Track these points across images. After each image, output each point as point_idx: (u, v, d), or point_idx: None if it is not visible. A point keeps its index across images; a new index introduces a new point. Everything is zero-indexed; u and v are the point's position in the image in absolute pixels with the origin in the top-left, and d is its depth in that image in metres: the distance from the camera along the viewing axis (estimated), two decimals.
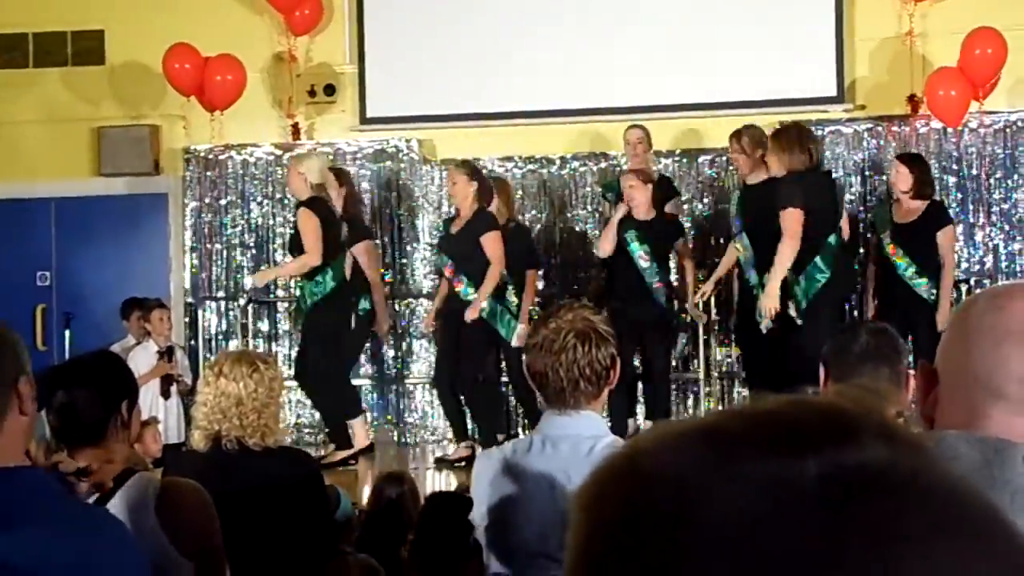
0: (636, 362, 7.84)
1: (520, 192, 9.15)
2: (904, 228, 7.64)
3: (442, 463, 7.96)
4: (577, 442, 2.93)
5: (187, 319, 9.39)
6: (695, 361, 8.69)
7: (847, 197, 8.78)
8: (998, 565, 0.60)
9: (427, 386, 8.93)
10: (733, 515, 0.58)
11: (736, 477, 0.59)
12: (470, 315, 7.80)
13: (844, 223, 7.42)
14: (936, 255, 7.60)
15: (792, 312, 7.03)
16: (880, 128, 8.75)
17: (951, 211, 8.61)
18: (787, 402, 0.64)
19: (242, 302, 8.96)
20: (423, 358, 9.14)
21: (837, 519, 0.58)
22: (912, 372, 3.32)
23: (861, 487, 0.59)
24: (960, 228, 8.65)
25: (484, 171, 8.65)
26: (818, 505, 0.58)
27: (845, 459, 0.60)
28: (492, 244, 7.79)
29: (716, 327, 8.64)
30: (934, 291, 7.53)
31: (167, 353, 8.22)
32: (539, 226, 9.13)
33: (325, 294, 7.80)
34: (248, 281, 9.04)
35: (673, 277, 8.11)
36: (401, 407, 9.19)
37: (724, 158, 8.86)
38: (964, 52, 8.31)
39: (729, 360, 8.70)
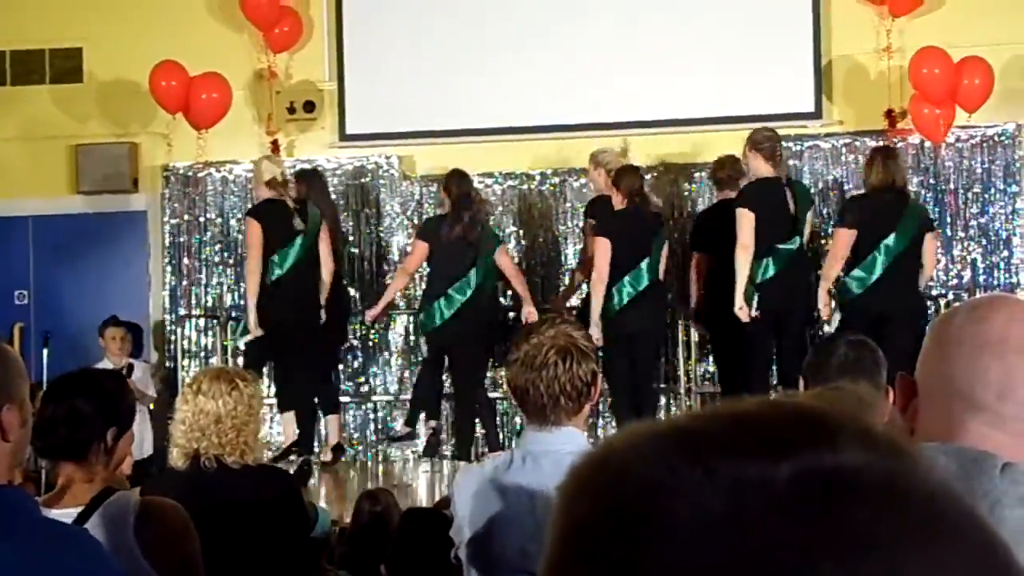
0: None
1: (500, 208, 9.15)
2: None
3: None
4: (558, 458, 2.92)
5: (166, 337, 9.35)
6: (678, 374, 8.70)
7: (825, 211, 8.82)
8: (975, 570, 0.59)
9: (402, 403, 8.93)
10: (702, 516, 0.58)
11: (706, 478, 0.59)
12: (368, 316, 8.35)
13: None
14: None
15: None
16: (858, 143, 8.79)
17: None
18: (763, 404, 0.63)
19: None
20: (396, 374, 9.14)
21: (808, 523, 0.57)
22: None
23: (835, 491, 0.58)
24: (938, 242, 8.70)
25: None
26: (789, 508, 0.57)
27: (820, 462, 0.59)
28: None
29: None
30: None
31: (126, 371, 8.18)
32: (517, 242, 9.14)
33: (275, 279, 7.87)
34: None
35: None
36: (379, 423, 9.16)
37: (703, 174, 8.89)
38: (912, 72, 8.41)
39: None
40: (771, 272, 7.39)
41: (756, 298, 7.33)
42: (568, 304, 8.49)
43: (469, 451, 8.03)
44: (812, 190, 8.81)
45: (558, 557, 0.62)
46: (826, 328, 7.70)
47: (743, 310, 7.34)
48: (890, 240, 7.33)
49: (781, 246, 7.42)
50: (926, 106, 8.47)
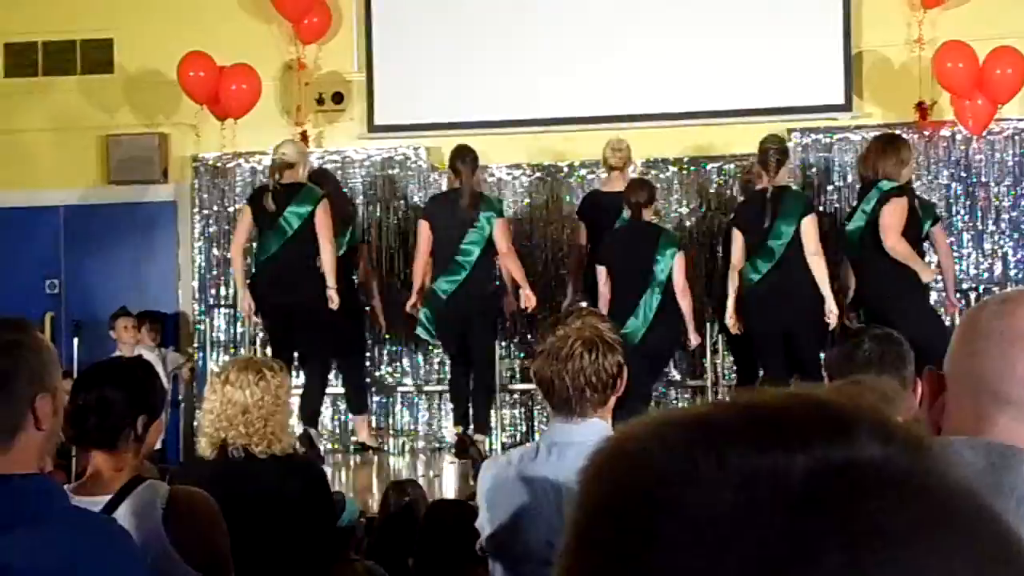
0: None
1: (528, 199, 9.15)
2: None
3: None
4: (583, 449, 2.89)
5: (196, 327, 9.41)
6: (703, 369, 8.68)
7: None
8: (989, 569, 0.58)
9: (441, 394, 8.93)
10: (714, 506, 0.58)
11: (722, 469, 0.59)
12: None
13: None
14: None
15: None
16: None
17: (960, 218, 8.61)
18: (782, 395, 0.63)
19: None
20: (423, 366, 9.14)
21: (819, 516, 0.57)
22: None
23: (849, 485, 0.58)
24: (968, 235, 8.64)
25: (492, 178, 8.74)
26: (802, 501, 0.57)
27: (835, 456, 0.59)
28: None
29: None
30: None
31: None
32: (544, 234, 9.12)
33: (259, 264, 7.91)
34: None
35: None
36: (408, 415, 9.18)
37: (732, 166, 8.86)
38: (937, 66, 8.36)
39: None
40: (751, 283, 7.42)
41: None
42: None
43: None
44: (840, 183, 8.77)
45: (575, 540, 0.63)
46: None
47: (731, 321, 7.51)
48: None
49: (757, 259, 7.40)
50: (966, 98, 8.41)
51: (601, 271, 7.70)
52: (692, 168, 9.02)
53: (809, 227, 7.36)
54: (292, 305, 7.69)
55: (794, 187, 7.95)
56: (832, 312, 7.26)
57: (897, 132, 8.23)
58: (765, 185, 7.48)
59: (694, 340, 7.73)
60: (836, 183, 8.85)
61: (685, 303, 7.59)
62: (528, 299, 7.80)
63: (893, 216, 7.26)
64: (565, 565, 0.63)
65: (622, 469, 0.62)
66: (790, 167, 7.87)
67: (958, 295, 8.13)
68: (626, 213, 7.72)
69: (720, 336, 8.41)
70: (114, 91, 9.65)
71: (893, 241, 7.23)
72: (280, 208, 7.69)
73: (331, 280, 7.62)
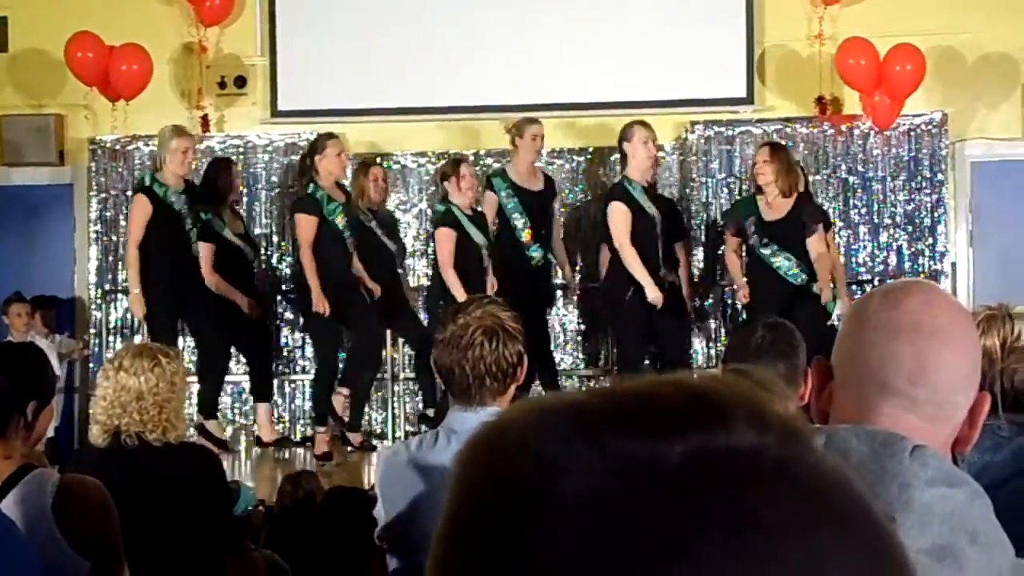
0: None
1: (433, 187, 9.13)
2: (774, 224, 7.76)
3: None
4: None
5: (93, 313, 9.22)
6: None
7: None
8: (859, 559, 0.58)
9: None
10: (588, 493, 0.57)
11: (598, 456, 0.58)
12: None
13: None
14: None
15: None
16: (789, 129, 8.87)
17: (856, 211, 8.76)
18: (658, 382, 0.62)
19: None
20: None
21: (693, 505, 0.57)
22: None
23: (723, 473, 0.58)
24: (865, 228, 8.80)
25: (397, 165, 8.69)
26: (676, 489, 0.57)
27: (710, 443, 0.58)
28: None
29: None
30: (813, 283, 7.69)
31: None
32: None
33: None
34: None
35: None
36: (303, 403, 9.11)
37: None
38: (839, 62, 8.51)
39: None
40: None
41: None
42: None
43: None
44: (741, 175, 8.91)
45: (449, 526, 0.62)
46: None
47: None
48: None
49: None
50: (867, 94, 8.55)
51: None
52: (595, 159, 9.06)
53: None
54: None
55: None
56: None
57: (796, 126, 8.37)
58: None
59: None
60: (738, 175, 8.96)
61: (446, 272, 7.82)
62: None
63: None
64: (440, 552, 0.62)
65: (499, 456, 0.61)
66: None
67: (855, 287, 8.32)
68: None
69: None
70: (8, 70, 9.41)
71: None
72: None
73: (132, 280, 7.84)
